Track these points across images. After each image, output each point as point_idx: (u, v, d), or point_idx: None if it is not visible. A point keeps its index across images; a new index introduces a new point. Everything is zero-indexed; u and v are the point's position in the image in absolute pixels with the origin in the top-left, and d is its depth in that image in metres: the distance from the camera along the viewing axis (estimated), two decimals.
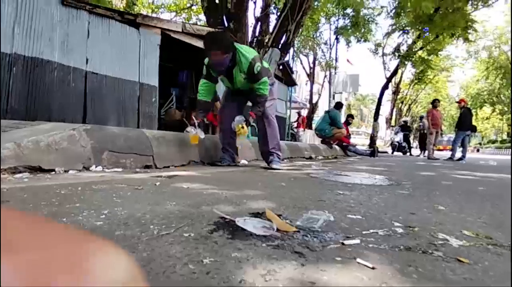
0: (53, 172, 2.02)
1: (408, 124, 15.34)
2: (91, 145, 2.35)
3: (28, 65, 4.17)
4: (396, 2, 13.20)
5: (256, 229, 0.93)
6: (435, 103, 9.57)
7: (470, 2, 12.88)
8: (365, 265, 0.73)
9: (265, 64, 3.12)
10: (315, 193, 1.78)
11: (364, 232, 1.01)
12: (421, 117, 14.11)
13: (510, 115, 33.02)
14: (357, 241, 0.90)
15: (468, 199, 1.92)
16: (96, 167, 2.29)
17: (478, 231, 1.11)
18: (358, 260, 0.76)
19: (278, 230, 0.94)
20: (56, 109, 4.44)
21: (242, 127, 3.03)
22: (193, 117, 3.21)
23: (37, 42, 4.25)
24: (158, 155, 2.79)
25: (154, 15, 16.31)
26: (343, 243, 0.88)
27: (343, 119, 9.00)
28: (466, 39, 14.23)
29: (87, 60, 4.79)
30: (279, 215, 1.14)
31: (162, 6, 19.08)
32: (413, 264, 0.76)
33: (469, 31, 13.40)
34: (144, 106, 5.62)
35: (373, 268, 0.72)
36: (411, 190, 2.15)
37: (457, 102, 10.20)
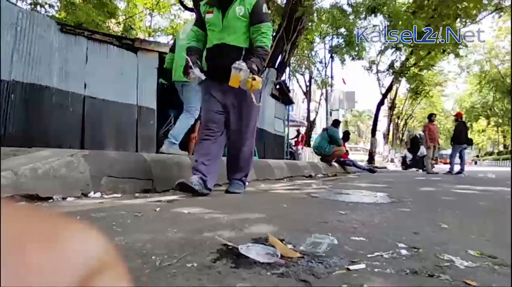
0: (51, 200, 2.00)
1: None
2: (89, 171, 2.34)
3: (27, 91, 4.20)
4: (388, 21, 13.56)
5: (260, 256, 0.91)
6: (431, 117, 9.66)
7: (458, 19, 13.24)
8: None
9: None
10: (317, 214, 1.77)
11: (368, 256, 0.99)
12: (423, 131, 14.03)
13: (505, 127, 33.32)
14: (362, 266, 0.89)
15: (469, 215, 1.92)
16: (94, 193, 2.27)
17: (483, 250, 1.09)
18: (365, 286, 0.74)
19: (282, 256, 0.93)
20: (54, 135, 4.44)
21: (253, 79, 2.28)
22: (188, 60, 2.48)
23: (36, 68, 4.30)
24: (157, 179, 2.77)
25: (151, 38, 16.62)
26: (348, 269, 0.86)
27: (340, 135, 9.04)
28: (457, 55, 14.54)
29: (85, 85, 4.84)
30: (281, 240, 1.13)
31: (159, 29, 19.48)
32: None
33: (459, 46, 13.70)
34: (142, 128, 5.63)
35: None
36: (412, 207, 2.14)
37: (454, 115, 10.31)
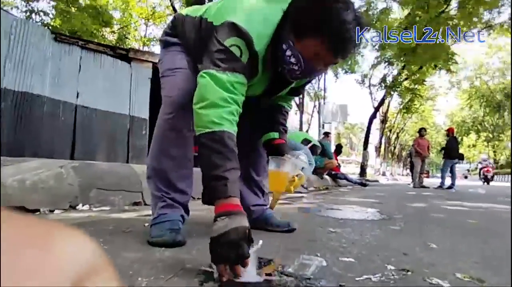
0: (38, 213, 1.96)
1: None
2: (78, 182, 2.31)
3: (18, 99, 4.16)
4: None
5: (246, 276, 0.91)
6: (421, 131, 9.80)
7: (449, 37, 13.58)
8: None
9: None
10: (307, 231, 1.76)
11: (357, 279, 0.99)
12: (413, 145, 14.24)
13: (495, 142, 33.87)
14: None
15: (459, 234, 1.93)
16: (83, 205, 2.24)
17: (471, 273, 1.10)
18: None
19: (268, 274, 0.93)
20: (45, 144, 4.39)
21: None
22: None
23: (28, 76, 4.27)
24: (147, 191, 2.74)
25: (145, 48, 16.67)
26: None
27: (332, 148, 9.10)
28: (449, 70, 14.87)
29: (77, 94, 4.81)
30: (270, 260, 1.12)
31: (154, 39, 19.54)
32: None
33: (449, 62, 14.03)
34: (134, 138, 5.60)
35: None
36: (402, 225, 2.15)
37: (445, 131, 10.47)
